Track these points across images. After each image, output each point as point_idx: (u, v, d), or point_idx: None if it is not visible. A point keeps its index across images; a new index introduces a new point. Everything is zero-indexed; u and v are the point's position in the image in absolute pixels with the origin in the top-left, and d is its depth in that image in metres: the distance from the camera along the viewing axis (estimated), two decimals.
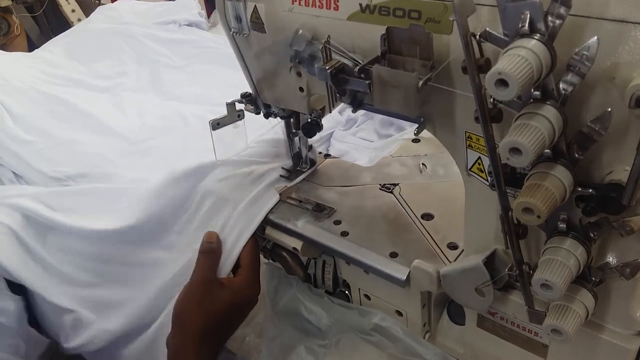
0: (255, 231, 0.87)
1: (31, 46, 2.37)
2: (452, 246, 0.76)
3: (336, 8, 0.62)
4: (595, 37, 0.43)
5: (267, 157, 0.96)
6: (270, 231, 0.88)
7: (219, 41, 1.59)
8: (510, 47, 0.44)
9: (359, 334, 0.81)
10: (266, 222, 0.88)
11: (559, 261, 0.51)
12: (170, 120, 1.29)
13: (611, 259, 0.56)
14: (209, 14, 2.07)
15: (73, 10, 2.38)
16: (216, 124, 0.85)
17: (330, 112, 0.81)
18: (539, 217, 0.46)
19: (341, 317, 0.83)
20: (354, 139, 1.31)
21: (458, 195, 0.70)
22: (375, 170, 0.96)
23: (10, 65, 1.44)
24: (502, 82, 0.41)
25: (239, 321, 0.85)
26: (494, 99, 0.50)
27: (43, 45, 1.63)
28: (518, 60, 0.41)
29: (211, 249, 0.84)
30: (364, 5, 0.59)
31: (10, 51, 1.63)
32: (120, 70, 1.47)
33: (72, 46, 1.58)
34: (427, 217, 0.82)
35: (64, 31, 1.69)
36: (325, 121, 1.04)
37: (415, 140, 1.02)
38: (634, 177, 0.45)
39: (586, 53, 0.43)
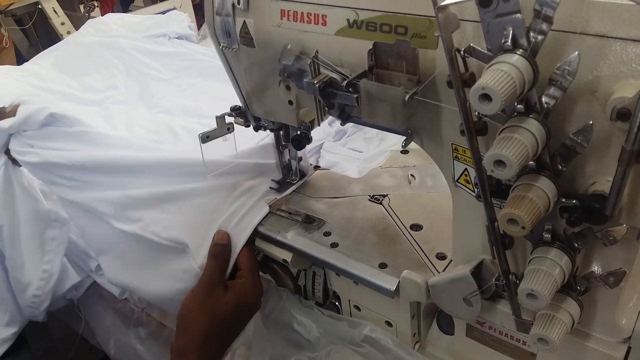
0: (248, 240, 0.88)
1: (20, 59, 2.37)
2: (441, 256, 0.77)
3: (324, 23, 0.63)
4: (576, 52, 0.44)
5: (257, 169, 0.97)
6: (260, 243, 0.89)
7: (208, 54, 1.59)
8: (494, 62, 0.45)
9: (349, 345, 0.81)
10: (256, 233, 0.88)
11: (544, 271, 0.52)
12: (159, 133, 1.29)
13: (596, 268, 0.57)
14: (199, 27, 2.07)
15: (62, 23, 2.38)
16: (205, 137, 0.85)
17: (319, 125, 0.82)
18: (523, 228, 0.47)
19: (331, 328, 0.84)
20: (344, 149, 1.31)
21: (446, 206, 0.71)
22: (365, 181, 0.96)
23: None
24: (486, 97, 0.42)
25: (243, 323, 0.85)
26: (478, 113, 0.51)
27: (32, 59, 1.63)
28: (501, 75, 0.43)
29: (220, 253, 0.85)
30: (351, 20, 0.60)
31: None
32: (110, 83, 1.47)
33: (61, 59, 1.57)
34: (416, 227, 0.83)
35: (53, 44, 1.69)
36: (315, 132, 1.04)
37: (404, 152, 1.03)
38: (616, 188, 0.46)
39: (567, 68, 0.44)
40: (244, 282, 0.84)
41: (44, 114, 0.94)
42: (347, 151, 1.30)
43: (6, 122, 0.94)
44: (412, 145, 0.69)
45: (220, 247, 0.85)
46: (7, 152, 0.97)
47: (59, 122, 0.96)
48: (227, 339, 0.84)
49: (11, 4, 2.31)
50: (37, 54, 1.66)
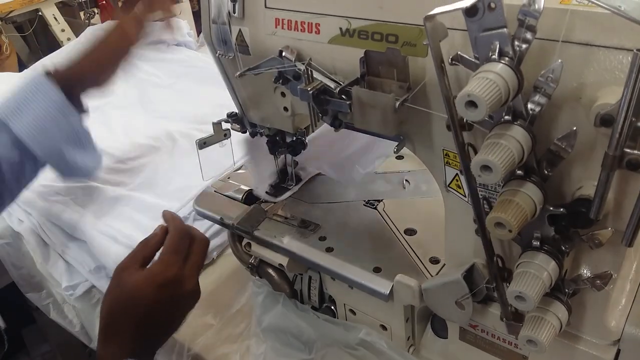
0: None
1: (20, 66, 2.38)
2: (434, 260, 0.78)
3: (317, 32, 0.64)
4: (559, 60, 0.45)
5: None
6: (256, 247, 0.90)
7: (206, 60, 1.61)
8: (480, 71, 0.46)
9: (344, 348, 0.82)
10: (252, 238, 0.89)
11: (532, 274, 0.53)
12: (157, 138, 1.30)
13: (585, 271, 0.58)
14: (198, 34, 2.09)
15: (63, 30, 2.39)
16: (202, 143, 0.87)
17: (313, 131, 0.83)
18: (510, 231, 0.48)
19: (326, 332, 0.84)
20: None
21: (440, 210, 0.72)
22: (360, 186, 0.97)
23: None
24: (472, 104, 0.44)
25: (169, 305, 0.73)
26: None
27: (32, 66, 1.64)
28: (486, 83, 0.44)
29: (148, 239, 0.79)
30: (344, 29, 0.62)
31: (1, 71, 1.64)
32: (109, 89, 1.48)
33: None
34: (410, 232, 0.84)
35: (53, 51, 1.71)
36: None
37: (399, 157, 1.04)
38: (600, 192, 0.48)
39: (551, 75, 0.46)
40: (159, 261, 0.75)
41: None
42: None
43: None
44: (407, 151, 0.70)
45: (153, 234, 0.79)
46: None
47: None
48: (140, 326, 0.71)
49: (12, 11, 2.33)
50: (38, 60, 1.67)
